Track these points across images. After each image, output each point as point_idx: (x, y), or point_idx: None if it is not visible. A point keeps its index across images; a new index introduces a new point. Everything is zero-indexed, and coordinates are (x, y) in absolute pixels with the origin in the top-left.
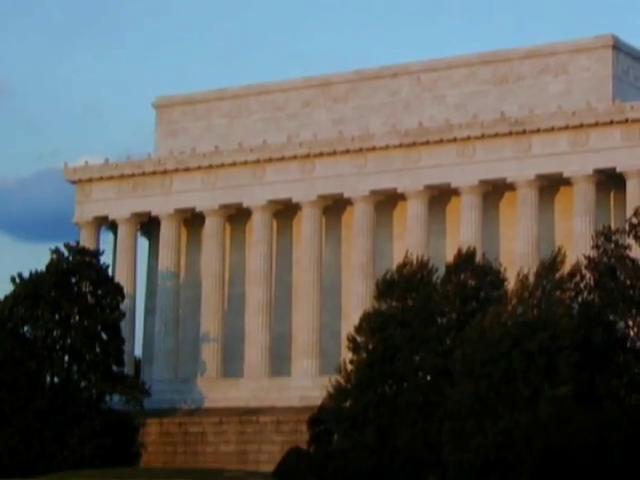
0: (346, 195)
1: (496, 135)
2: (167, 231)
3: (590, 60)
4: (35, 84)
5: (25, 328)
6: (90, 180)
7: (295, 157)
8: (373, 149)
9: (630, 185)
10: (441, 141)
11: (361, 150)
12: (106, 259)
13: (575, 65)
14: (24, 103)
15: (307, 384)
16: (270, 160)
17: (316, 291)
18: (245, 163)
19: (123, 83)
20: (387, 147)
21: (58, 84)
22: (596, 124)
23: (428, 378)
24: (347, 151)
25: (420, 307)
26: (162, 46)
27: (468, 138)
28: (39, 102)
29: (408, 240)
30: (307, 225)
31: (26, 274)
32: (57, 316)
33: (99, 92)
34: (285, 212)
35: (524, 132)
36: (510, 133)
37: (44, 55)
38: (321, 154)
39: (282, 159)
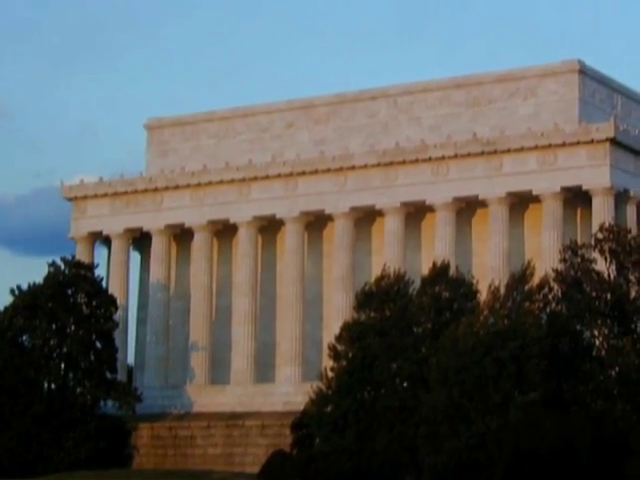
0: (327, 212)
1: (469, 155)
2: (158, 246)
3: (558, 84)
4: (33, 106)
5: (24, 337)
6: (85, 197)
7: (279, 176)
8: (353, 168)
9: (595, 202)
10: (417, 160)
11: (341, 169)
12: (100, 272)
13: (543, 89)
14: (23, 124)
15: (290, 390)
16: (255, 178)
17: (299, 302)
18: (232, 181)
19: (117, 105)
20: (366, 166)
21: (55, 106)
22: (563, 144)
23: (405, 384)
24: (328, 170)
25: (397, 317)
26: (153, 71)
27: (442, 158)
28: (37, 123)
29: (386, 254)
30: (290, 240)
31: (25, 286)
32: (54, 326)
33: (94, 114)
34: (269, 228)
35: (495, 152)
36: (482, 153)
37: (42, 78)
38: (303, 173)
39: (267, 177)
